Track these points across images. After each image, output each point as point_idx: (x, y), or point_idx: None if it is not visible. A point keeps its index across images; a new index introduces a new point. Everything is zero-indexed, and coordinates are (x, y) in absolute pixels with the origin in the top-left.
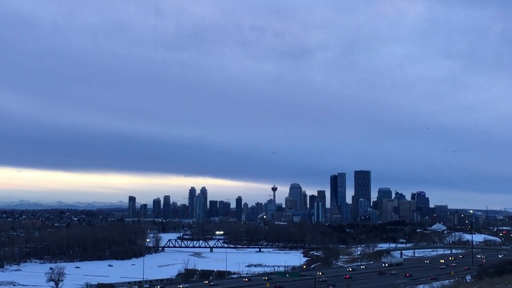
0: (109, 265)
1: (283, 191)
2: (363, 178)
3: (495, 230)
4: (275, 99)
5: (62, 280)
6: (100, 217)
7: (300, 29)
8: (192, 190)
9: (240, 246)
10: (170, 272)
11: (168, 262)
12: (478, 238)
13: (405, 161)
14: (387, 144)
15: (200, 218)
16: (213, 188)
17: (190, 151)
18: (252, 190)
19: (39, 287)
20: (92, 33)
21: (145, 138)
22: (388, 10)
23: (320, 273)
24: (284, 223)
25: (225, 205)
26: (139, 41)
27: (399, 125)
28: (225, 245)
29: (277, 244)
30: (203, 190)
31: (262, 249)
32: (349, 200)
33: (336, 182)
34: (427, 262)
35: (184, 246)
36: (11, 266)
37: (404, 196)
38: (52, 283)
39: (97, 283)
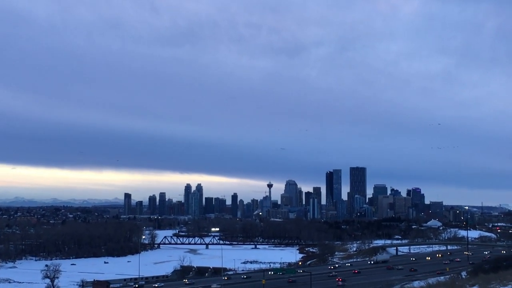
0: (105, 262)
1: (278, 188)
2: (358, 175)
3: (490, 226)
4: (270, 96)
5: (57, 277)
6: (96, 214)
7: (295, 25)
8: (188, 187)
9: (236, 242)
10: (166, 269)
11: (163, 259)
12: (473, 234)
13: (400, 157)
14: (383, 140)
15: (195, 215)
16: (208, 184)
17: (185, 148)
18: (248, 187)
19: (34, 284)
20: (87, 30)
21: (140, 135)
22: (384, 7)
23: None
24: (280, 220)
25: (220, 201)
26: (134, 37)
27: (394, 121)
28: (221, 241)
29: (272, 240)
30: (199, 187)
31: (257, 246)
32: (344, 196)
33: (332, 178)
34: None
35: (180, 243)
36: (6, 263)
37: (400, 192)
38: (47, 280)
39: (92, 280)
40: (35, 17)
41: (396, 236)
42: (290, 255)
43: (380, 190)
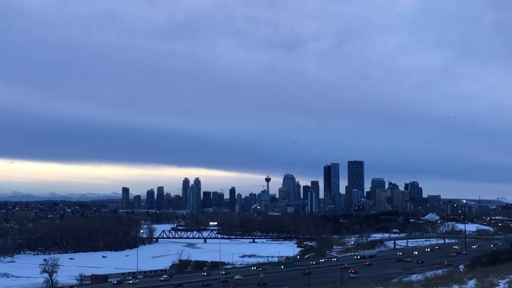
0: (103, 256)
1: (276, 182)
2: (356, 169)
3: (488, 219)
4: (268, 90)
5: (56, 272)
6: (94, 208)
7: (293, 19)
8: (186, 181)
9: (234, 236)
10: (164, 263)
11: (162, 253)
12: (471, 227)
13: (398, 151)
14: (380, 134)
15: (193, 209)
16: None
17: (183, 142)
18: (246, 181)
19: (33, 279)
20: (84, 23)
21: (138, 129)
22: (381, 0)
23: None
24: (278, 214)
25: (218, 196)
26: (132, 31)
27: (392, 114)
28: (219, 236)
29: (270, 234)
30: (197, 181)
31: (255, 240)
32: (342, 190)
33: (330, 172)
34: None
35: (178, 237)
36: (4, 257)
37: (397, 186)
38: (46, 275)
39: (91, 274)
40: (31, 10)
41: (394, 230)
42: (288, 249)
43: (378, 183)
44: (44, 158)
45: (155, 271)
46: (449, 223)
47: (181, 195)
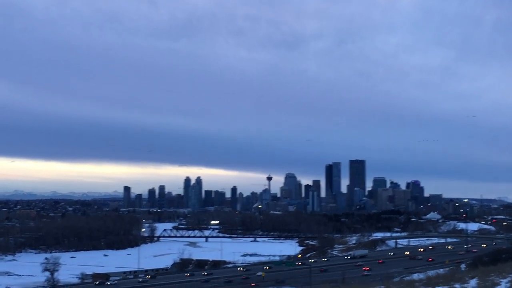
0: (105, 255)
1: (278, 181)
2: (358, 168)
3: (489, 218)
4: (269, 89)
5: (57, 270)
6: (95, 207)
7: (294, 18)
8: (187, 180)
9: (235, 235)
10: (166, 262)
11: (163, 252)
12: (472, 227)
13: (400, 150)
14: (382, 133)
15: (195, 208)
16: (208, 177)
17: (185, 141)
18: (247, 180)
19: (34, 277)
20: (84, 22)
21: (139, 128)
22: None
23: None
24: (279, 213)
25: (220, 194)
26: (132, 30)
27: (393, 113)
28: (220, 234)
29: (272, 233)
30: (198, 180)
31: (257, 239)
32: (344, 189)
33: (331, 171)
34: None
35: (179, 236)
36: (6, 256)
37: (399, 185)
38: (47, 273)
39: (92, 273)
40: (32, 9)
41: (396, 229)
42: (290, 248)
43: (379, 182)
44: (46, 157)
45: (157, 269)
46: (451, 222)
47: (182, 194)
